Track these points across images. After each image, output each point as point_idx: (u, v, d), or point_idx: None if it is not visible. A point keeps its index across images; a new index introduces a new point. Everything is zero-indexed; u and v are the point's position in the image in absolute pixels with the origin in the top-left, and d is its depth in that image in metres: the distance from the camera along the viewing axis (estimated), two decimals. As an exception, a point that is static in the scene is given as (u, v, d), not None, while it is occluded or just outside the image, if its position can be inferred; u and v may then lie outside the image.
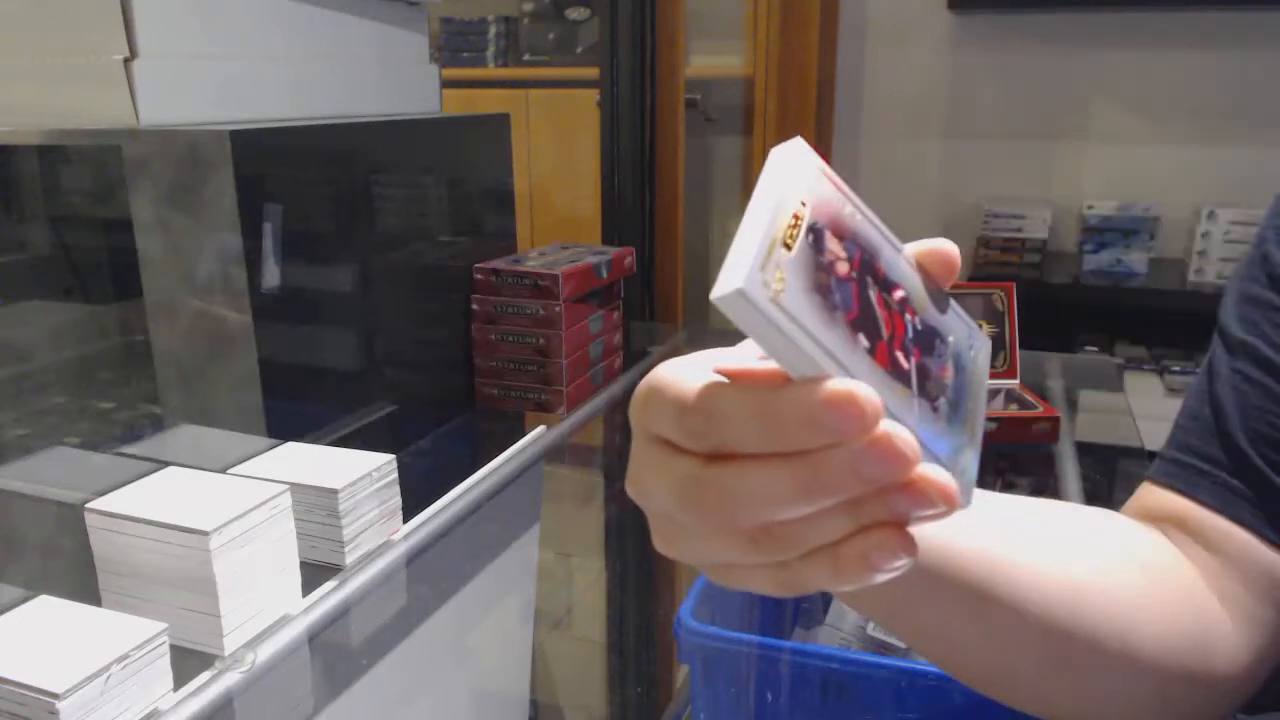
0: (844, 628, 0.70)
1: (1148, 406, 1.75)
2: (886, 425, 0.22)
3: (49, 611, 0.51)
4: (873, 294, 0.25)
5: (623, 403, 1.07)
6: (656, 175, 1.61)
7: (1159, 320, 2.08)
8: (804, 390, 0.22)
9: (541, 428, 0.94)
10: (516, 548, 0.81)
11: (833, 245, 0.25)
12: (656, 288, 1.69)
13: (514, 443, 0.90)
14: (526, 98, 2.24)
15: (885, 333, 0.25)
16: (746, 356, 0.26)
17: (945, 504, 0.23)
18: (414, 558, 0.70)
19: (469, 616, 0.70)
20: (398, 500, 0.69)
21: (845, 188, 0.27)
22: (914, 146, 2.27)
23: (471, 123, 1.00)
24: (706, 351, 0.27)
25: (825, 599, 0.71)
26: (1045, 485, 0.87)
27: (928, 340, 0.27)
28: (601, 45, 1.55)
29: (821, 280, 0.24)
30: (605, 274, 1.01)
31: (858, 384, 0.22)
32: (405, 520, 0.71)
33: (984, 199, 2.19)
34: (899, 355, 0.25)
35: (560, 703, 0.71)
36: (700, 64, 2.30)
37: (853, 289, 0.24)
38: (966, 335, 0.29)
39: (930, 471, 0.23)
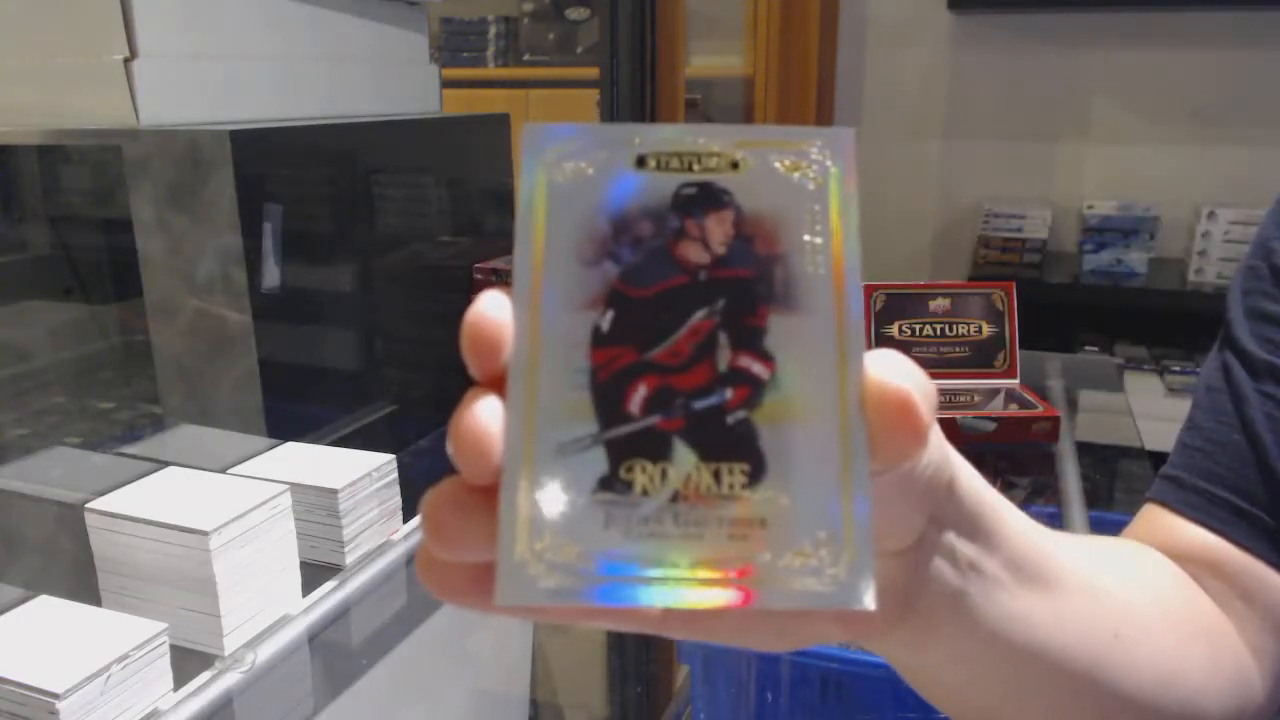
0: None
1: (1148, 406, 1.75)
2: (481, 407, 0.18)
3: (49, 611, 0.50)
4: (699, 315, 0.19)
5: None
6: (656, 175, 1.61)
7: (1159, 320, 2.08)
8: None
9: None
10: (516, 548, 0.81)
11: (712, 227, 0.20)
12: (656, 288, 1.69)
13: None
14: (526, 98, 2.24)
15: (655, 353, 0.19)
16: None
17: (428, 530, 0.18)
18: (414, 557, 0.70)
19: (469, 616, 0.70)
20: (398, 500, 0.69)
21: (852, 228, 0.21)
22: (914, 146, 2.27)
23: (471, 123, 1.00)
24: None
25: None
26: (1045, 485, 0.87)
27: (720, 443, 0.19)
28: (601, 45, 1.55)
29: (635, 226, 0.19)
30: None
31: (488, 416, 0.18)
32: (405, 520, 0.71)
33: (984, 199, 2.19)
34: (640, 387, 0.19)
35: (560, 702, 0.71)
36: (700, 64, 2.30)
37: (670, 278, 0.19)
38: (809, 550, 0.18)
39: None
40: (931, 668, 0.29)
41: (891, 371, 0.19)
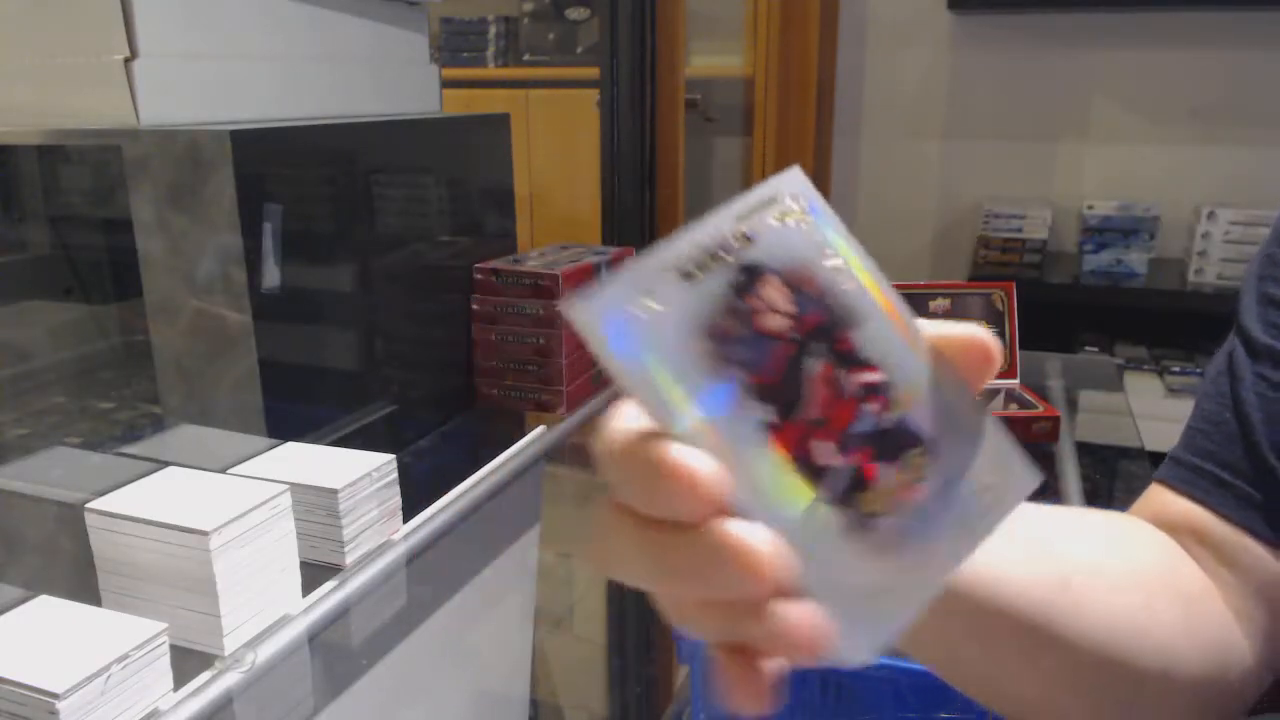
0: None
1: (1147, 406, 1.75)
2: (744, 525, 0.18)
3: (49, 611, 0.50)
4: (816, 365, 0.21)
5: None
6: (656, 175, 1.61)
7: (1159, 320, 2.08)
8: (648, 444, 0.19)
9: (542, 427, 0.94)
10: (517, 548, 0.81)
11: (772, 294, 0.21)
12: (656, 288, 1.68)
13: (514, 443, 0.90)
14: (526, 98, 2.24)
15: (812, 414, 0.21)
16: None
17: (805, 652, 0.19)
18: (414, 558, 0.70)
19: (469, 616, 0.70)
20: (398, 500, 0.69)
21: (845, 235, 0.23)
22: (914, 146, 2.27)
23: (471, 123, 1.00)
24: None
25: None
26: (1045, 485, 0.87)
27: (893, 443, 0.22)
28: (601, 45, 1.55)
29: (724, 327, 0.20)
30: (605, 274, 1.01)
31: (698, 454, 0.19)
32: (405, 520, 0.71)
33: (984, 199, 2.19)
34: (821, 446, 0.21)
35: (560, 703, 0.71)
36: (700, 64, 2.30)
37: (778, 351, 0.21)
38: (986, 468, 0.24)
39: (796, 613, 0.19)
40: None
41: (948, 327, 0.24)
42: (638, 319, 0.19)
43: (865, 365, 0.22)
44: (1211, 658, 0.38)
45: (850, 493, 0.21)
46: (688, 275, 0.20)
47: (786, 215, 0.23)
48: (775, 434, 0.21)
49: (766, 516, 0.20)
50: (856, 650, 0.20)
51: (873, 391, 0.22)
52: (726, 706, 0.21)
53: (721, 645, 0.21)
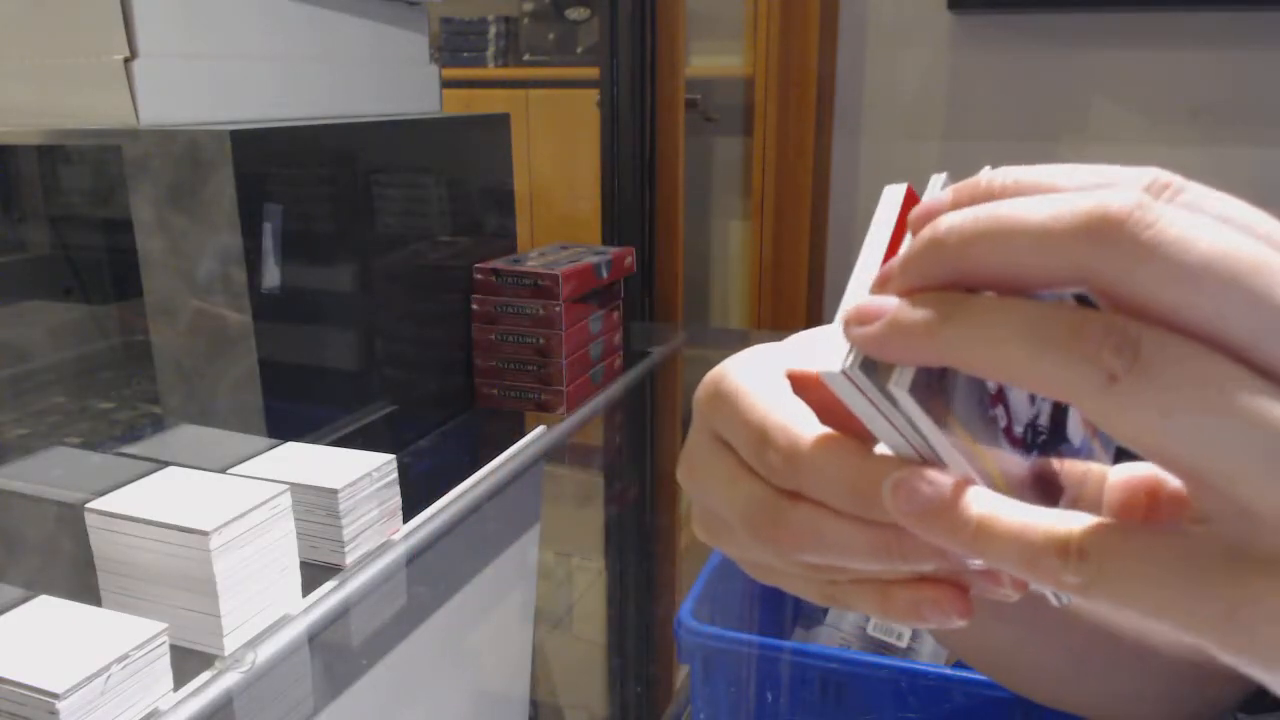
0: (844, 627, 0.70)
1: (1148, 406, 1.75)
2: (985, 505, 0.19)
3: (49, 611, 0.50)
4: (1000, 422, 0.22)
5: (623, 402, 1.07)
6: (656, 175, 1.61)
7: (1159, 320, 2.08)
8: (906, 472, 0.20)
9: (541, 428, 0.94)
10: (517, 548, 0.81)
11: None
12: (656, 288, 1.69)
13: (514, 443, 0.90)
14: (526, 98, 2.24)
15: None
16: (811, 358, 0.24)
17: (1015, 591, 0.22)
18: (414, 558, 0.70)
19: (469, 616, 0.70)
20: (398, 500, 0.69)
21: None
22: (914, 146, 2.26)
23: (471, 123, 1.00)
24: (770, 350, 0.25)
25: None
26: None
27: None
28: (601, 45, 1.54)
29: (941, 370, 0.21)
30: (605, 274, 1.01)
31: (964, 484, 0.20)
32: (405, 520, 0.71)
33: (984, 199, 2.19)
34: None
35: (560, 702, 0.71)
36: (700, 64, 2.30)
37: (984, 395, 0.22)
38: None
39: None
40: None
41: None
42: (891, 379, 0.20)
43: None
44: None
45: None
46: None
47: None
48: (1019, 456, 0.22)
49: None
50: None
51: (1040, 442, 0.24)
52: (915, 620, 0.22)
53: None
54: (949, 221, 0.19)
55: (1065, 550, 0.19)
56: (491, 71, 2.41)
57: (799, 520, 0.22)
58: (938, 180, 0.23)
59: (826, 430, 0.22)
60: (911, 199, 0.23)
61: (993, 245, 0.19)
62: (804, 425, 0.22)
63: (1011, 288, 0.19)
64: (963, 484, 0.20)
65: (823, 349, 0.20)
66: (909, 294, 0.20)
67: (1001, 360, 0.18)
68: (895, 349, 0.19)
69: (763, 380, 0.24)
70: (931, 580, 0.22)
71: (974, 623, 0.36)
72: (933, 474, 0.20)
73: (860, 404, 0.20)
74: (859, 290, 0.21)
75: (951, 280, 0.19)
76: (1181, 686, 0.39)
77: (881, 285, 0.20)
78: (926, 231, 0.20)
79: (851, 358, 0.20)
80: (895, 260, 0.20)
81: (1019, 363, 0.18)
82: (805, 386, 0.24)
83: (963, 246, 0.19)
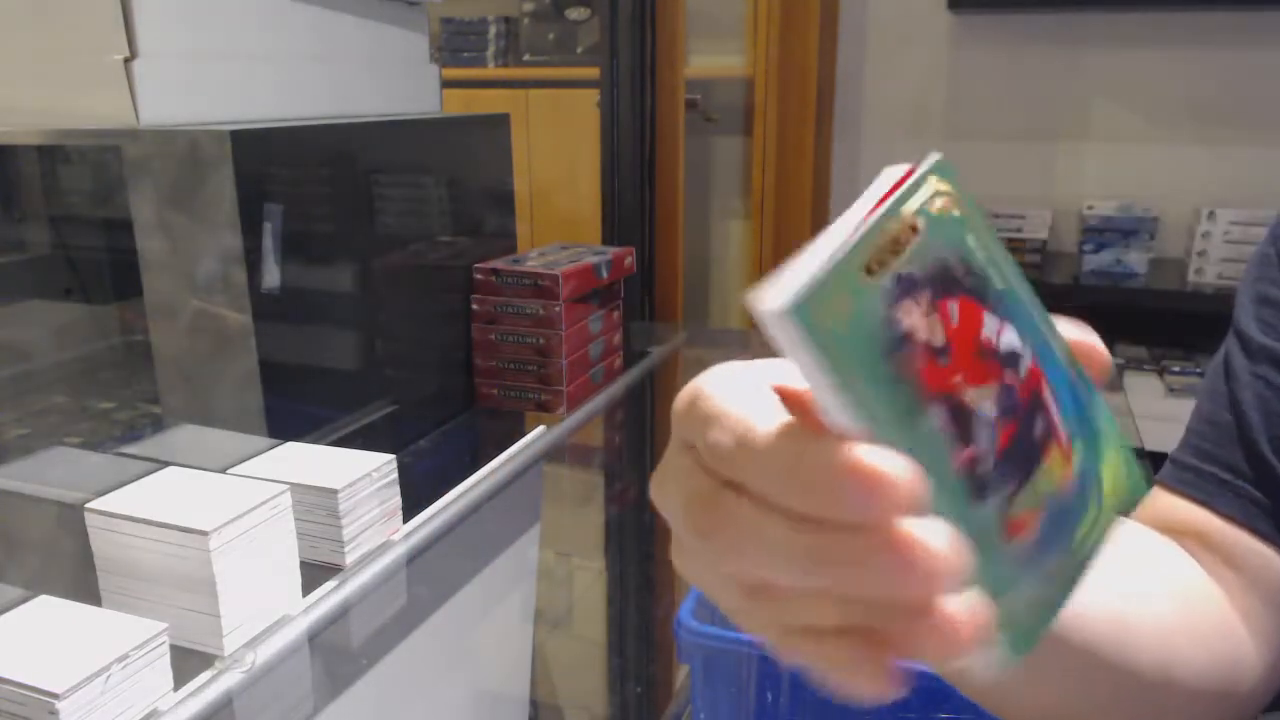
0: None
1: (1148, 407, 1.75)
2: (921, 525, 0.18)
3: (49, 611, 0.50)
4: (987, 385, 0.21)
5: (623, 402, 1.07)
6: (656, 175, 1.61)
7: (1159, 320, 2.07)
8: (831, 449, 0.18)
9: (541, 428, 0.94)
10: (516, 548, 0.81)
11: (929, 318, 0.21)
12: (656, 288, 1.69)
13: (514, 443, 0.90)
14: (526, 98, 2.24)
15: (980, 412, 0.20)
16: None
17: (958, 651, 0.19)
18: (414, 558, 0.70)
19: (469, 617, 0.70)
20: (398, 500, 0.69)
21: (986, 225, 0.23)
22: (914, 146, 2.26)
23: (471, 123, 1.00)
24: (765, 363, 0.23)
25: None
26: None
27: (1038, 437, 0.22)
28: (602, 45, 1.54)
29: (912, 324, 0.20)
30: (605, 274, 1.01)
31: (896, 457, 0.18)
32: (405, 520, 0.71)
33: (984, 199, 2.19)
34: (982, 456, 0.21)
35: (560, 703, 0.71)
36: (700, 64, 2.30)
37: (946, 367, 0.20)
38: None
39: (958, 608, 0.18)
40: None
41: (1069, 329, 0.24)
42: (834, 323, 0.18)
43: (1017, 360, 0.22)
44: (1219, 661, 0.38)
45: (1009, 496, 0.21)
46: (869, 271, 0.20)
47: (941, 200, 0.22)
48: (949, 450, 0.20)
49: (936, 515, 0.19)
50: (1004, 656, 0.20)
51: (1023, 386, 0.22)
52: (836, 690, 0.20)
53: (837, 632, 0.20)
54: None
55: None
56: (491, 71, 2.41)
57: (735, 511, 0.21)
58: (930, 159, 0.23)
59: (788, 419, 0.20)
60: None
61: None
62: (765, 418, 0.21)
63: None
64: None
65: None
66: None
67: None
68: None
69: (735, 382, 0.23)
70: (868, 638, 0.20)
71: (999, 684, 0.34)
72: (877, 450, 0.18)
73: (797, 352, 0.18)
74: (823, 247, 0.19)
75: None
76: (1200, 711, 0.38)
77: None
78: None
79: (794, 295, 0.18)
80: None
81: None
82: (794, 404, 0.22)
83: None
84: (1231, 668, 0.39)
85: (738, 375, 0.23)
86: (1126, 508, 0.24)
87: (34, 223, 0.91)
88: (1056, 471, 0.22)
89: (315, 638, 0.60)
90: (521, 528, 0.83)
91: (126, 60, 0.67)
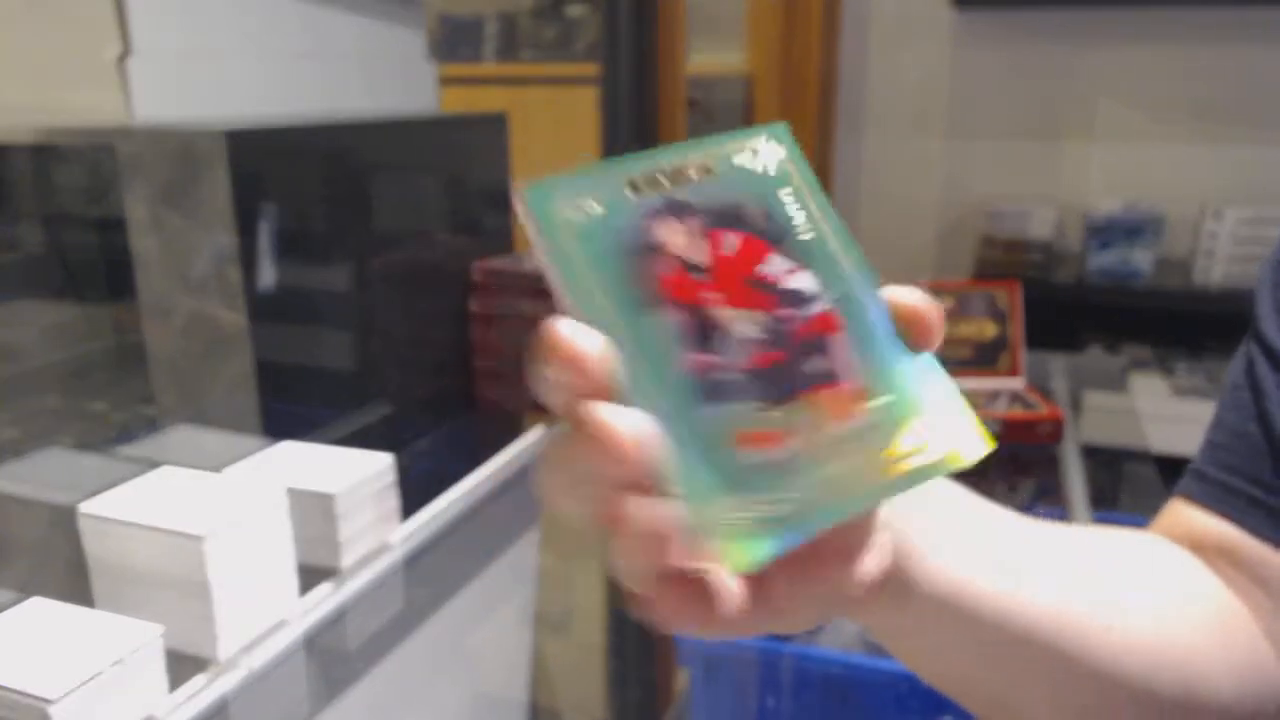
0: (846, 631, 0.69)
1: (1153, 407, 1.74)
2: (613, 410, 0.20)
3: (42, 614, 0.50)
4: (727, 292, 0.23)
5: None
6: (658, 174, 1.61)
7: (1164, 320, 2.07)
8: (550, 323, 0.21)
9: (540, 429, 0.93)
10: (515, 550, 0.80)
11: (678, 237, 0.23)
12: (658, 287, 1.68)
13: (512, 444, 0.89)
14: (525, 95, 2.24)
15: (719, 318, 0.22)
16: None
17: (656, 549, 0.20)
18: (412, 560, 0.69)
19: (467, 620, 0.69)
20: (395, 503, 0.68)
21: (813, 188, 0.25)
22: (917, 145, 2.26)
23: (468, 122, 0.99)
24: None
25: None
26: (1049, 487, 0.86)
27: (806, 366, 0.23)
28: (602, 43, 1.54)
29: (643, 246, 0.22)
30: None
31: (591, 333, 0.20)
32: (403, 522, 0.70)
33: (988, 198, 2.18)
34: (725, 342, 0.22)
35: (559, 706, 0.71)
36: (701, 62, 2.29)
37: (686, 279, 0.22)
38: (923, 424, 0.24)
39: (650, 506, 0.20)
40: (907, 634, 0.33)
41: (896, 291, 0.25)
42: (575, 216, 0.21)
43: (794, 293, 0.23)
44: (1246, 682, 0.37)
45: (755, 410, 0.22)
46: (635, 188, 0.22)
47: (756, 156, 0.24)
48: (683, 349, 0.22)
49: (654, 411, 0.20)
50: (739, 556, 0.20)
51: (791, 300, 0.23)
52: (677, 627, 0.22)
53: (657, 575, 0.22)
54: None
55: None
56: (490, 68, 2.41)
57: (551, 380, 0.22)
58: (772, 126, 0.25)
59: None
60: None
61: None
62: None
63: None
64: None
65: None
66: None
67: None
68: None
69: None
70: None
71: (1023, 693, 0.34)
72: (569, 324, 0.20)
73: (531, 230, 0.21)
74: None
75: None
76: None
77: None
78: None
79: (537, 184, 0.21)
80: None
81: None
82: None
83: None
84: (1260, 689, 0.38)
85: None
86: (938, 470, 0.24)
87: (26, 222, 0.90)
88: (828, 408, 0.23)
89: (312, 642, 0.59)
90: (520, 530, 0.83)
91: (120, 58, 0.67)
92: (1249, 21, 1.97)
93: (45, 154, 0.90)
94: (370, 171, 0.83)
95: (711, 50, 2.32)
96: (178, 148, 0.66)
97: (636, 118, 1.54)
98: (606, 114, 1.54)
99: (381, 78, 0.95)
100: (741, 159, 0.24)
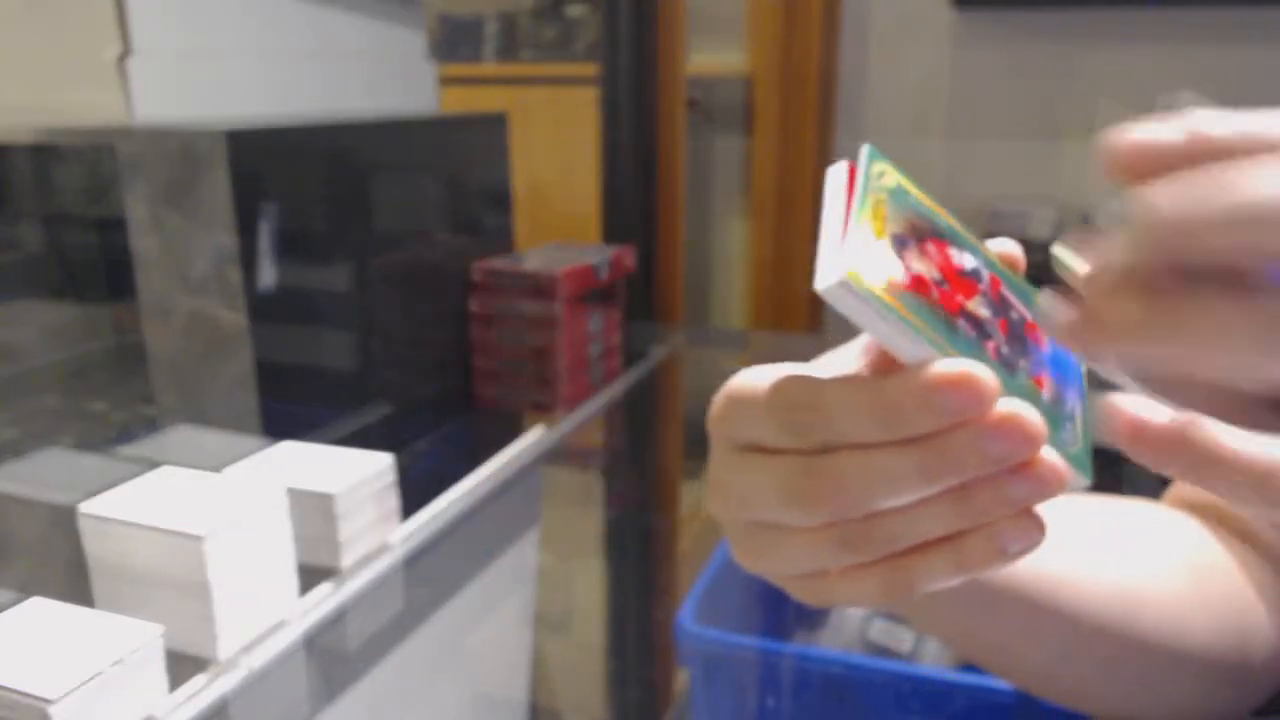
0: (846, 631, 0.69)
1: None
2: (1009, 403, 0.22)
3: (42, 614, 0.50)
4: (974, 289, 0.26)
5: (622, 403, 1.06)
6: (657, 174, 1.61)
7: (1162, 319, 2.07)
8: (919, 374, 0.22)
9: (540, 429, 0.93)
10: (515, 550, 0.80)
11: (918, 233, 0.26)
12: (656, 287, 1.68)
13: (512, 444, 0.89)
14: (525, 95, 2.24)
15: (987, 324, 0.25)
16: (835, 366, 0.25)
17: (1058, 487, 0.22)
18: (412, 560, 0.69)
19: (467, 620, 0.70)
20: (395, 502, 0.68)
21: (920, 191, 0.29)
22: (917, 145, 2.26)
23: (469, 122, 0.99)
24: (786, 364, 0.26)
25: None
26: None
27: (1019, 336, 0.26)
28: (601, 43, 1.54)
29: (919, 268, 0.24)
30: (604, 274, 1.01)
31: (972, 362, 0.22)
32: (403, 522, 0.70)
33: (988, 198, 2.18)
34: (999, 342, 0.25)
35: (559, 706, 0.71)
36: (701, 62, 2.29)
37: (954, 282, 0.25)
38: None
39: (1047, 453, 0.22)
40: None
41: (1002, 246, 0.30)
42: (878, 290, 0.22)
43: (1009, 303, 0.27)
44: (1226, 627, 0.39)
45: (1026, 368, 0.25)
46: (878, 230, 0.25)
47: (884, 178, 0.28)
48: (980, 343, 0.25)
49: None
50: (1077, 481, 0.24)
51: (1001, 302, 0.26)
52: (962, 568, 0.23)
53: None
54: (1172, 201, 0.17)
55: None
56: (490, 68, 2.41)
57: (839, 465, 0.23)
58: (865, 150, 0.28)
59: (860, 376, 0.23)
60: (853, 174, 0.27)
61: (1231, 231, 0.17)
62: (841, 384, 0.23)
63: (1232, 271, 0.17)
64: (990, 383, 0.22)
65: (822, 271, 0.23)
66: (1123, 284, 0.19)
67: (1235, 364, 0.18)
68: (1127, 349, 0.20)
69: (774, 370, 0.25)
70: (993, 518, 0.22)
71: (1008, 641, 0.36)
72: (955, 361, 0.22)
73: (862, 312, 0.22)
74: (828, 254, 0.23)
75: (1172, 265, 0.18)
76: (1215, 686, 0.39)
77: (1099, 276, 0.20)
78: (1144, 213, 0.18)
79: (843, 269, 0.22)
80: (1114, 250, 0.20)
81: (1253, 366, 0.18)
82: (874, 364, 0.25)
83: (1190, 235, 0.17)
84: (1244, 639, 0.39)
85: (764, 372, 0.25)
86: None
87: (26, 222, 0.91)
88: (1042, 343, 0.27)
89: (312, 642, 0.59)
90: (520, 529, 0.83)
91: (120, 58, 0.67)
92: (1249, 21, 1.98)
93: (45, 154, 0.90)
94: (370, 171, 0.83)
95: (711, 50, 2.32)
96: (178, 148, 0.66)
97: (636, 118, 1.54)
98: (606, 114, 1.54)
99: (382, 77, 0.95)
100: (885, 183, 0.28)
